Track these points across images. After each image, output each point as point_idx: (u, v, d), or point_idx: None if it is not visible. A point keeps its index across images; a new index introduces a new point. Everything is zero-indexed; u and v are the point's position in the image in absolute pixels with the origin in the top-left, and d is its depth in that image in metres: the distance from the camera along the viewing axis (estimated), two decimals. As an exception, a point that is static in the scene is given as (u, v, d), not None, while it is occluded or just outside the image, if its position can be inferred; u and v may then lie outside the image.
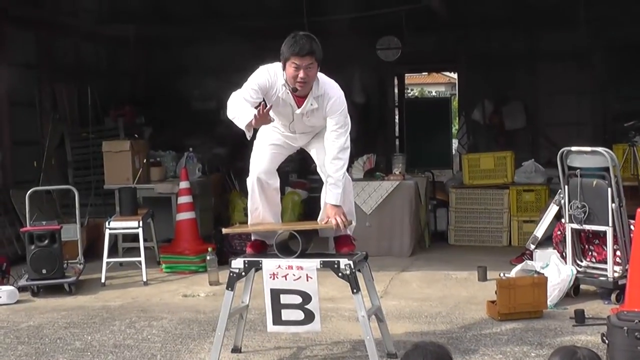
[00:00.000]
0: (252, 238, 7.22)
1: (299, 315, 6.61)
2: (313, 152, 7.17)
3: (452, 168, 19.39)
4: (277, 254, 6.73)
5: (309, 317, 6.59)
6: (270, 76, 6.66)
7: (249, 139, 6.71)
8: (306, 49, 6.45)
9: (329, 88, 6.71)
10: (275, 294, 6.64)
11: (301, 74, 6.50)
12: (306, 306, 6.58)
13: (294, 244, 6.78)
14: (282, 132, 7.03)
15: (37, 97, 14.30)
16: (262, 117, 6.38)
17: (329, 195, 6.81)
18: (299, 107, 6.72)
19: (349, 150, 6.83)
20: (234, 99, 6.67)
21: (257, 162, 7.05)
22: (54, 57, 15.00)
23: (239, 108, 6.57)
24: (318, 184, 7.43)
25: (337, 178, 6.76)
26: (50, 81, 14.70)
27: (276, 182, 7.17)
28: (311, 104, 6.68)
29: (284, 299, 6.62)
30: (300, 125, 6.92)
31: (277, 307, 6.64)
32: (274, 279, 6.64)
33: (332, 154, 6.76)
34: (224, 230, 7.55)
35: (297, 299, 6.59)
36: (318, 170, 7.18)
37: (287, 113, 6.80)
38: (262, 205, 7.13)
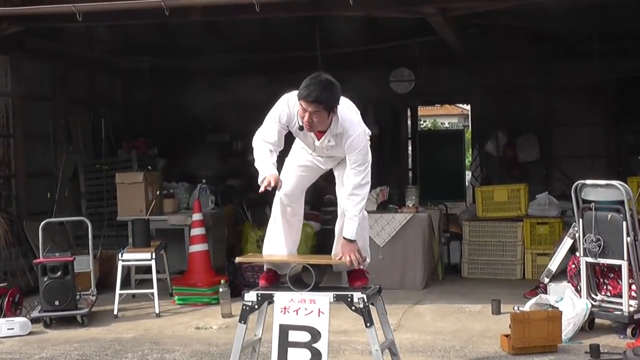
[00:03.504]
0: (265, 268, 7.22)
1: (305, 355, 6.51)
2: (336, 178, 7.17)
3: (466, 200, 19.36)
4: (290, 287, 6.72)
5: (316, 357, 6.49)
6: (289, 108, 6.65)
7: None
8: (313, 96, 6.39)
9: (349, 126, 6.64)
10: (284, 330, 6.58)
11: (306, 117, 6.49)
12: (314, 345, 6.50)
13: (307, 277, 6.76)
14: (310, 153, 7.02)
15: (51, 129, 14.34)
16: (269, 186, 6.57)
17: (345, 229, 6.80)
18: (318, 140, 6.72)
19: (368, 186, 6.78)
20: (257, 142, 6.78)
21: (282, 184, 7.06)
22: (68, 88, 15.07)
23: (260, 158, 6.72)
24: (331, 216, 7.43)
25: (354, 213, 6.73)
26: (64, 113, 14.76)
27: (299, 208, 7.18)
28: (328, 141, 6.67)
29: (292, 336, 6.56)
30: (323, 154, 6.92)
31: (284, 345, 6.56)
32: (284, 313, 6.60)
33: (349, 190, 6.75)
34: (237, 259, 7.52)
35: (306, 337, 6.52)
36: (338, 199, 7.16)
37: (308, 142, 6.83)
38: (279, 231, 7.14)
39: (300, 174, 7.07)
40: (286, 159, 7.09)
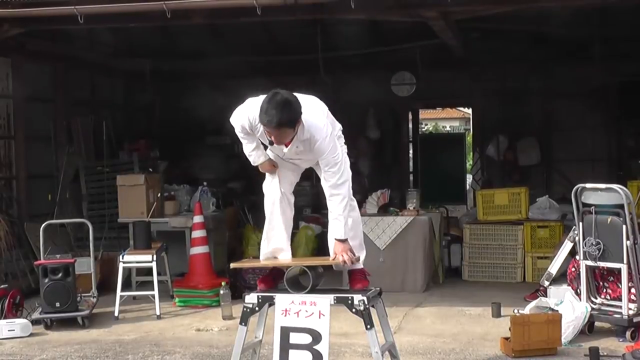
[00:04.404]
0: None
1: (306, 357, 6.51)
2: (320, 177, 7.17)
3: (466, 204, 19.33)
4: (288, 290, 6.73)
5: (317, 359, 6.49)
6: (250, 122, 6.63)
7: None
8: (274, 122, 6.32)
9: (315, 131, 6.57)
10: (285, 332, 6.58)
11: (274, 138, 6.49)
12: (315, 347, 6.49)
13: (304, 279, 6.77)
14: (282, 159, 7.02)
15: (53, 131, 14.36)
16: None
17: (334, 230, 6.78)
18: (286, 147, 6.70)
19: (346, 184, 6.72)
20: (235, 130, 6.89)
21: (270, 190, 7.09)
22: (69, 90, 15.08)
23: (243, 144, 6.94)
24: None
25: (338, 212, 6.70)
26: (65, 115, 14.78)
27: (289, 204, 7.18)
28: (297, 147, 6.65)
29: (294, 338, 6.55)
30: (294, 157, 6.91)
31: (285, 347, 6.56)
32: (285, 315, 6.61)
33: (327, 193, 6.72)
34: (232, 265, 7.45)
35: (307, 339, 6.52)
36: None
37: (277, 149, 6.81)
38: (275, 227, 7.15)
39: (283, 174, 7.06)
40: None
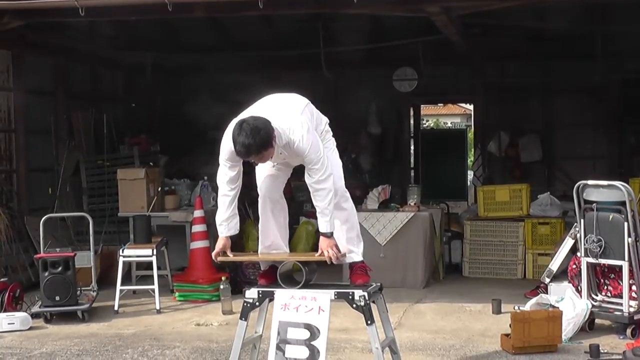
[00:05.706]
0: (262, 267, 7.22)
1: (303, 352, 6.49)
2: None
3: (467, 200, 19.33)
4: (281, 285, 6.72)
5: (314, 355, 6.46)
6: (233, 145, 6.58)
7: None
8: (251, 152, 6.37)
9: (291, 133, 6.55)
10: (283, 326, 6.57)
11: (256, 161, 6.60)
12: (312, 342, 6.46)
13: (298, 275, 6.76)
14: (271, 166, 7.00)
15: (53, 124, 14.33)
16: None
17: (319, 225, 6.78)
18: (271, 160, 6.70)
19: (330, 178, 6.67)
20: (219, 186, 6.93)
21: (262, 186, 7.09)
22: (70, 84, 15.06)
23: (218, 212, 7.05)
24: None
25: (323, 207, 6.68)
26: (66, 108, 14.75)
27: (282, 202, 7.21)
28: (280, 153, 6.64)
29: (291, 332, 6.53)
30: (281, 161, 6.89)
31: (282, 341, 6.54)
32: (285, 310, 6.59)
33: (312, 189, 6.70)
34: (219, 259, 7.33)
35: (305, 334, 6.49)
36: None
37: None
38: (271, 227, 7.19)
39: (272, 175, 7.03)
40: (256, 167, 7.08)
